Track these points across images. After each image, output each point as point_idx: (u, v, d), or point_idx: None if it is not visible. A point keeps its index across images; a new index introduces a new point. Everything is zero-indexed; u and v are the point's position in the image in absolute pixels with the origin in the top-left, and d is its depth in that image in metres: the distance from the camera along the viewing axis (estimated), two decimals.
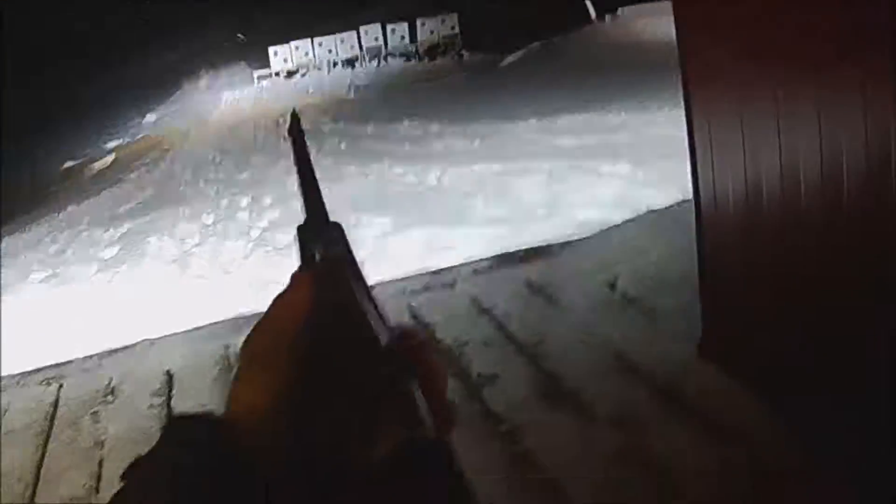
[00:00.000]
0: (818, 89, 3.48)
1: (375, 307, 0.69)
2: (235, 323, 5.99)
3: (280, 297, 0.69)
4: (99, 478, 4.43)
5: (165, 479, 0.58)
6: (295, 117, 0.83)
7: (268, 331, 0.67)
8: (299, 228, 0.74)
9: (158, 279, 9.88)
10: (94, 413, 5.12)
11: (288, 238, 9.81)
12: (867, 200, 3.39)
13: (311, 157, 0.80)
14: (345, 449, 0.57)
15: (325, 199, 0.76)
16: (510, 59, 24.06)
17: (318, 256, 0.72)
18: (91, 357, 5.97)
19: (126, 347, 6.05)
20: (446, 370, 0.68)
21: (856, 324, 3.59)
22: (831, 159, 3.48)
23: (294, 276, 0.70)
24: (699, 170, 4.40)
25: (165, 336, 6.13)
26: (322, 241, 0.73)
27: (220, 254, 10.52)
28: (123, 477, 0.59)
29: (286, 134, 0.85)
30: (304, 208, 0.76)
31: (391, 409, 0.59)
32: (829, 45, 3.40)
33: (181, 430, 0.63)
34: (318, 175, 0.79)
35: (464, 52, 28.22)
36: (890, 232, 3.30)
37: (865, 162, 3.31)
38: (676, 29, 4.31)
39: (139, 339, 6.08)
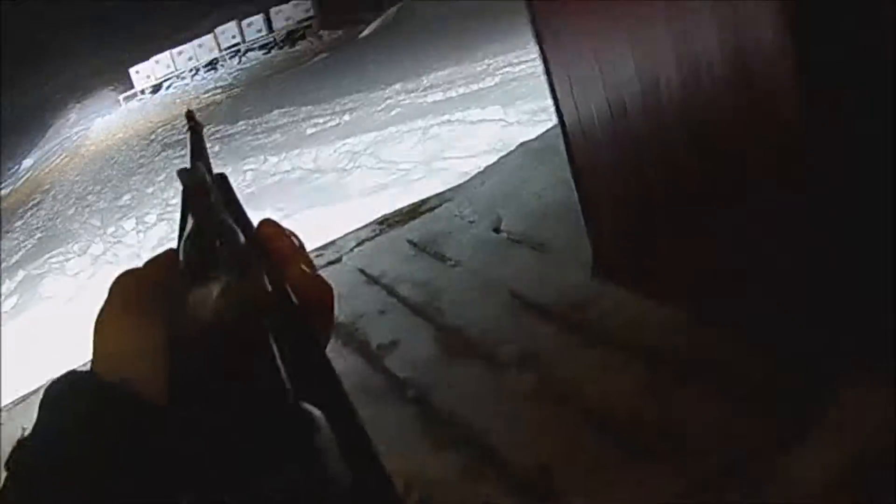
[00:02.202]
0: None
1: (242, 215, 0.69)
2: None
3: None
4: None
5: (51, 450, 0.53)
6: (189, 113, 0.88)
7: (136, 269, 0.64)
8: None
9: (59, 318, 9.81)
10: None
11: None
12: (727, 99, 3.40)
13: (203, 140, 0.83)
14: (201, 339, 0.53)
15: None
16: (367, 30, 24.00)
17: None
18: None
19: (33, 392, 5.79)
20: (300, 251, 0.66)
21: (731, 217, 3.64)
22: (688, 64, 3.48)
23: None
24: (560, 101, 4.40)
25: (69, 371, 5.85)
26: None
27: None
28: (7, 465, 0.53)
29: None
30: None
31: (238, 290, 0.56)
32: None
33: (55, 395, 0.57)
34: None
35: (322, 32, 28.09)
36: (755, 127, 3.31)
37: (721, 60, 3.31)
38: None
39: (44, 382, 5.81)
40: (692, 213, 3.86)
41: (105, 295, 0.62)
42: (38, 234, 15.48)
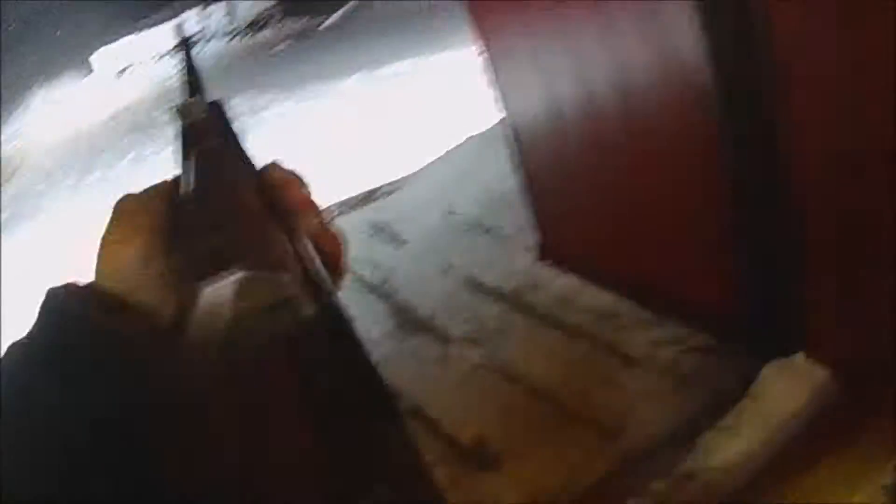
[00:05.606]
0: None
1: (240, 150, 0.68)
2: None
3: None
4: None
5: (41, 360, 0.54)
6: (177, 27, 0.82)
7: (139, 193, 0.66)
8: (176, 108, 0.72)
9: (24, 299, 9.67)
10: None
11: None
12: (653, 99, 3.62)
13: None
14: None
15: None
16: (329, 21, 23.91)
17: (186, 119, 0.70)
18: None
19: None
20: (311, 199, 0.64)
21: (664, 209, 3.86)
22: (618, 68, 3.70)
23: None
24: (505, 98, 4.63)
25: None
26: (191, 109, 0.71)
27: (85, 259, 10.29)
28: None
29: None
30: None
31: (246, 241, 0.55)
32: None
33: (53, 306, 0.57)
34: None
35: (285, 21, 27.84)
36: (680, 126, 3.51)
37: (646, 65, 3.52)
38: None
39: None
40: (627, 204, 4.05)
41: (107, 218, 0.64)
42: (6, 213, 15.33)
